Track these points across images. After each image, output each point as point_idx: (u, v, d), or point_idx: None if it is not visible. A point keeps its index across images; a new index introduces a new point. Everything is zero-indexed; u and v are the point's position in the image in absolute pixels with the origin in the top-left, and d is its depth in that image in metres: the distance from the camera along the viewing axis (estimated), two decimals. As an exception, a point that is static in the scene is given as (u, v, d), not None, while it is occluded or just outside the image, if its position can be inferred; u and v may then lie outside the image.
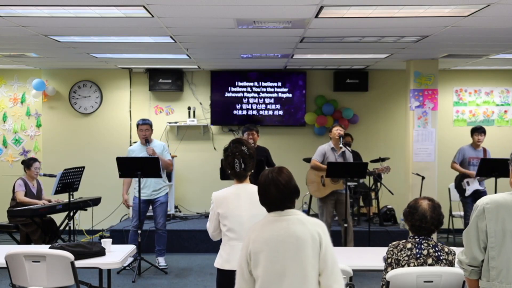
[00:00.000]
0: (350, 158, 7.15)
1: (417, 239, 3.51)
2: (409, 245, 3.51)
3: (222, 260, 3.72)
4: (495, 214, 2.92)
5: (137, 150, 7.08)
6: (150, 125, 7.09)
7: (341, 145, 7.08)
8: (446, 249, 3.52)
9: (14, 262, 4.28)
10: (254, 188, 3.74)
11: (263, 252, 2.77)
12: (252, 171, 3.78)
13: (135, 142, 7.64)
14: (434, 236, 8.10)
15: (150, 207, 7.22)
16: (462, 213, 8.15)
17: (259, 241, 2.78)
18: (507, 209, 2.92)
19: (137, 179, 6.94)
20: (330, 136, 7.22)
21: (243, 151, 3.68)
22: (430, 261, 3.46)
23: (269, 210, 2.89)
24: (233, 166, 3.68)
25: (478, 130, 7.87)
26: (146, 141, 7.01)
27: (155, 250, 7.19)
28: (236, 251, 3.61)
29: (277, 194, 2.83)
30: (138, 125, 7.11)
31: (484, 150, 7.92)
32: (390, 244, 3.61)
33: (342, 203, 7.04)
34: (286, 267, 2.73)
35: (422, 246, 3.49)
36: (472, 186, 7.78)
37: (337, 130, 7.10)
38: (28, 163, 7.39)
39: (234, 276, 3.31)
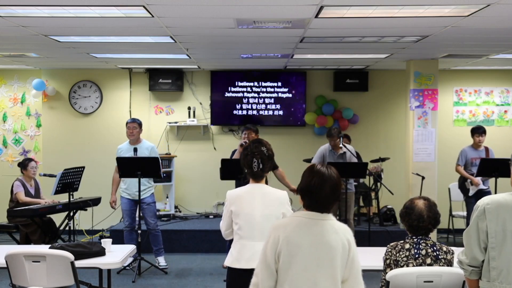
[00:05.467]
0: (351, 158, 7.14)
1: (415, 239, 3.51)
2: (407, 246, 3.51)
3: (233, 259, 3.72)
4: (496, 214, 2.92)
5: (125, 150, 7.09)
6: (139, 124, 7.11)
7: (341, 145, 7.10)
8: (444, 248, 3.53)
9: (14, 262, 4.28)
10: (269, 189, 3.78)
11: (295, 257, 2.70)
12: (269, 171, 3.83)
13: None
14: (434, 236, 8.09)
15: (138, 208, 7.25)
16: (464, 213, 8.14)
17: (292, 244, 2.71)
18: (507, 209, 2.92)
19: (124, 179, 6.99)
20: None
21: (263, 151, 3.73)
22: (428, 261, 3.46)
23: (309, 206, 2.77)
24: (251, 166, 3.71)
25: (478, 131, 7.85)
26: (135, 150, 6.97)
27: (153, 251, 7.19)
28: (246, 250, 3.62)
29: (328, 194, 2.72)
30: (126, 123, 7.15)
31: (487, 149, 7.90)
32: (388, 245, 3.61)
33: (346, 201, 7.10)
34: (318, 277, 2.69)
35: (420, 246, 3.49)
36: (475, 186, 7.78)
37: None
38: (24, 164, 7.43)
39: (244, 274, 3.29)
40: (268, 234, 2.78)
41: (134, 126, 7.05)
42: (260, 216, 3.65)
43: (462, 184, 7.94)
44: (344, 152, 7.13)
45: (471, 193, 7.78)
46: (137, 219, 7.09)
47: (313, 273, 2.69)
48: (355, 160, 7.20)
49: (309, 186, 2.75)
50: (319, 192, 2.72)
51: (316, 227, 2.72)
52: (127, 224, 7.05)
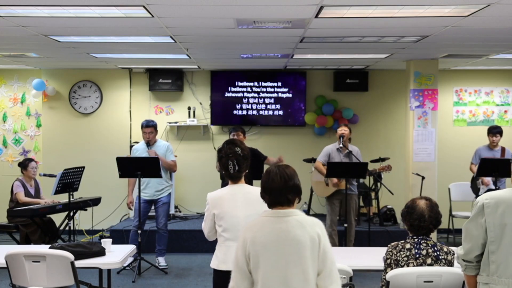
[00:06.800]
0: (358, 155, 7.13)
1: (416, 239, 3.52)
2: (408, 246, 3.52)
3: (218, 261, 3.69)
4: (495, 208, 2.94)
5: (141, 150, 7.09)
6: (155, 127, 7.09)
7: (341, 145, 7.10)
8: (445, 249, 3.53)
9: (14, 262, 4.29)
10: (250, 188, 3.73)
11: (263, 256, 2.72)
12: (246, 171, 3.76)
13: (136, 142, 7.64)
14: (434, 236, 8.09)
15: (152, 207, 7.23)
16: (466, 214, 8.12)
17: (258, 244, 2.73)
18: (507, 203, 2.93)
19: (143, 180, 6.96)
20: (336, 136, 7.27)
21: (237, 152, 3.67)
22: (429, 261, 3.47)
23: (270, 202, 2.84)
24: (227, 168, 3.67)
25: (492, 131, 7.86)
26: (148, 144, 7.00)
27: (156, 250, 7.20)
28: (232, 252, 3.59)
29: (281, 183, 2.79)
30: (142, 126, 7.11)
31: (503, 149, 7.89)
32: (389, 245, 3.61)
33: (348, 203, 7.09)
34: (288, 273, 2.70)
35: (421, 246, 3.49)
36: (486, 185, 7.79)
37: (340, 130, 7.12)
38: (24, 164, 7.43)
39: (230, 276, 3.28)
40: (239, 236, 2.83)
41: (151, 131, 7.03)
42: (244, 217, 3.62)
43: (474, 183, 7.96)
44: (351, 151, 7.13)
45: (481, 192, 7.78)
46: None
47: (282, 271, 2.71)
48: (360, 157, 7.20)
49: (262, 184, 2.88)
50: (270, 186, 2.82)
51: (281, 224, 2.76)
52: (136, 225, 7.02)
